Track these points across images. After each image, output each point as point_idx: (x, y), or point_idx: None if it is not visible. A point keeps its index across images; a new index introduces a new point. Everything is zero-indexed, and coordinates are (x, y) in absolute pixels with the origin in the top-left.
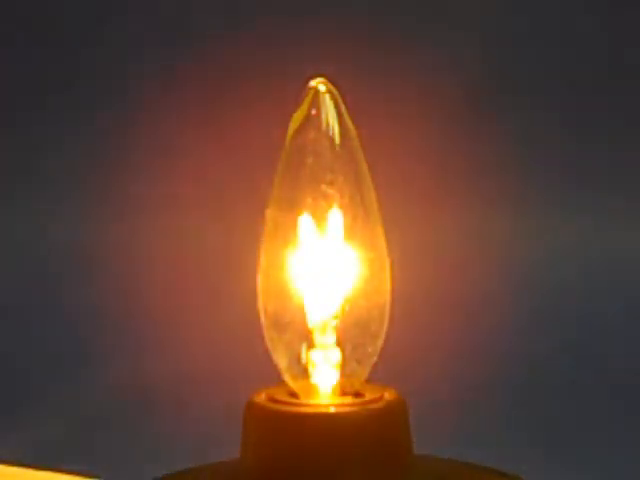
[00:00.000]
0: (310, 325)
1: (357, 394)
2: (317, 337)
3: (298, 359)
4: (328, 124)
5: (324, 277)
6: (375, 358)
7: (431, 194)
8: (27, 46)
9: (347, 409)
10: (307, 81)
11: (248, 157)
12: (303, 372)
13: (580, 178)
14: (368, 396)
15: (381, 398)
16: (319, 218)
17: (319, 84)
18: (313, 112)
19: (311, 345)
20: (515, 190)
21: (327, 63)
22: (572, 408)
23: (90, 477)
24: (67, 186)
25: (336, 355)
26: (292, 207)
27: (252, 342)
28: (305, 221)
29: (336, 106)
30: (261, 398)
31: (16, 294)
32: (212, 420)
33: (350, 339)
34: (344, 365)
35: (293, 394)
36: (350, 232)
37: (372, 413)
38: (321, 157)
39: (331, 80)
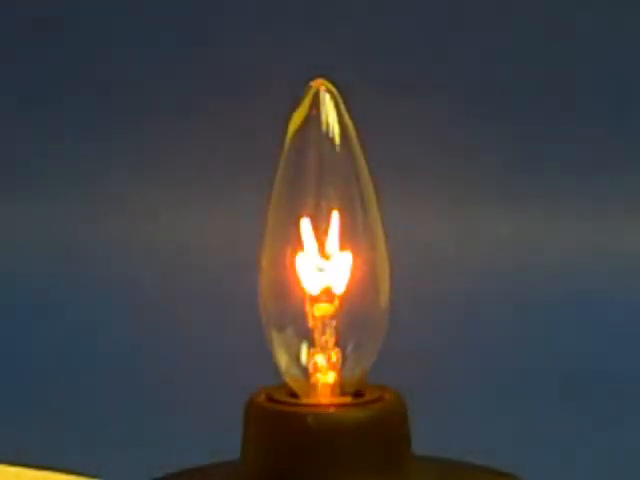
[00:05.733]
0: (310, 325)
1: (357, 394)
2: (317, 337)
3: (298, 359)
4: (328, 124)
5: (324, 277)
6: (375, 358)
7: (431, 194)
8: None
9: (347, 409)
10: (307, 81)
11: (248, 156)
12: (303, 372)
13: (581, 180)
14: (368, 396)
15: (381, 398)
16: (319, 218)
17: (319, 84)
18: (313, 112)
19: (311, 345)
20: (516, 191)
21: (327, 63)
22: (572, 407)
23: (90, 477)
24: (66, 184)
25: (336, 355)
26: (292, 207)
27: (252, 342)
28: (305, 221)
29: (336, 106)
30: (261, 398)
31: (15, 295)
32: (212, 420)
33: (350, 339)
34: (344, 365)
35: (293, 394)
36: (350, 232)
37: (372, 413)
38: (321, 157)
39: (331, 80)
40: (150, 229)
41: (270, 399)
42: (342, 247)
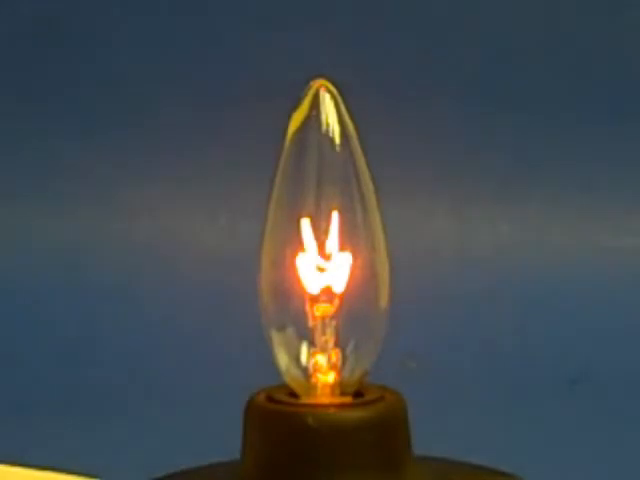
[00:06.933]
0: (310, 325)
1: (357, 394)
2: (317, 337)
3: (298, 359)
4: (328, 124)
5: (324, 277)
6: (375, 358)
7: (431, 194)
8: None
9: (347, 409)
10: (307, 81)
11: (248, 157)
12: (303, 372)
13: (581, 180)
14: (368, 396)
15: (381, 398)
16: (319, 218)
17: (319, 84)
18: (313, 112)
19: (311, 345)
20: (516, 191)
21: (327, 63)
22: (572, 407)
23: (90, 477)
24: (66, 185)
25: (336, 355)
26: (292, 207)
27: (252, 342)
28: (305, 221)
29: (336, 106)
30: (261, 398)
31: (15, 295)
32: (212, 420)
33: (350, 339)
34: (344, 365)
35: (293, 394)
36: (350, 232)
37: (372, 413)
38: (321, 157)
39: (331, 80)
40: (150, 229)
41: (270, 399)
42: (342, 247)
